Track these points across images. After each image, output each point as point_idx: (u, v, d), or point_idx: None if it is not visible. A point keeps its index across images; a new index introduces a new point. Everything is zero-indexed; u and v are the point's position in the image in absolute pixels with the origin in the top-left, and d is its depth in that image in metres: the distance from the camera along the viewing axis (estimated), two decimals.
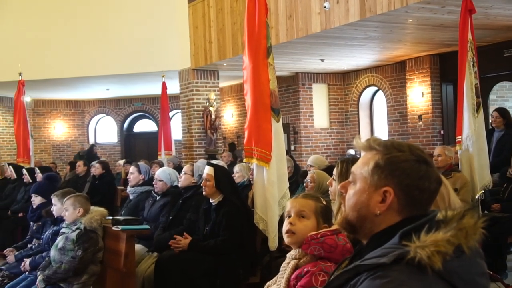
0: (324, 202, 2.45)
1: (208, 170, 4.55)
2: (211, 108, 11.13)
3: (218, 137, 11.41)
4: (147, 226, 4.63)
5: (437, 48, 10.09)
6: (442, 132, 10.74)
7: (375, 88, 12.40)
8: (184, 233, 4.50)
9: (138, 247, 4.72)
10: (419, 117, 10.91)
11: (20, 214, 7.72)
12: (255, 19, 4.59)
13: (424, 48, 10.00)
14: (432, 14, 7.21)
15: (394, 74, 11.65)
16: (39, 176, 7.69)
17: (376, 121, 12.76)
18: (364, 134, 12.39)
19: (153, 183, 5.47)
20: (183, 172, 5.24)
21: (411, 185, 1.34)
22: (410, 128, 11.16)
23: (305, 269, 2.21)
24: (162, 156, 10.42)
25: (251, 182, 5.30)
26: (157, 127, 14.71)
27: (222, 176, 4.58)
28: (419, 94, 10.90)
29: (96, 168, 8.27)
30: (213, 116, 11.12)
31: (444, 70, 10.66)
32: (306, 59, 10.62)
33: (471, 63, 5.43)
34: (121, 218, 4.54)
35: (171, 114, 13.26)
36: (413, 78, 11.01)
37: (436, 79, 10.78)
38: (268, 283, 2.47)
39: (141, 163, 6.53)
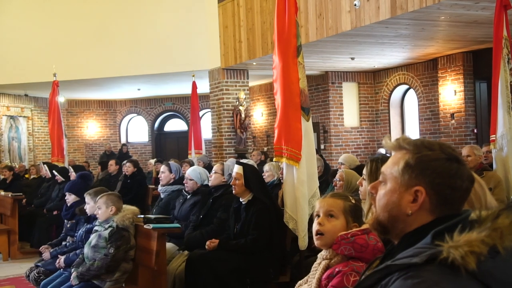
0: (353, 201, 2.44)
1: (237, 169, 4.57)
2: (240, 107, 11.17)
3: (247, 136, 11.44)
4: (178, 225, 4.67)
5: (470, 45, 9.90)
6: (475, 130, 10.54)
7: (406, 87, 12.25)
8: (207, 241, 4.51)
9: (169, 245, 4.77)
10: (452, 115, 10.73)
11: (55, 212, 7.89)
12: (285, 18, 4.59)
13: (457, 45, 9.83)
14: (465, 11, 7.08)
15: (425, 72, 11.48)
16: (72, 175, 7.83)
17: (407, 120, 12.61)
18: (395, 133, 12.25)
19: (184, 182, 5.51)
20: (213, 171, 5.27)
21: (443, 184, 1.33)
22: (442, 127, 10.98)
23: (337, 269, 2.20)
24: (192, 155, 10.50)
25: (281, 181, 5.30)
26: (187, 127, 14.85)
27: (251, 175, 4.59)
28: (451, 92, 10.72)
29: (127, 167, 8.38)
30: (242, 115, 11.14)
31: (477, 67, 10.46)
32: (336, 57, 10.55)
33: (506, 60, 5.32)
34: (152, 216, 4.59)
35: (201, 113, 13.36)
36: (445, 76, 10.84)
37: (469, 77, 10.58)
38: (299, 282, 2.47)
39: (172, 162, 6.59)
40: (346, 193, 2.66)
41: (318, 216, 2.39)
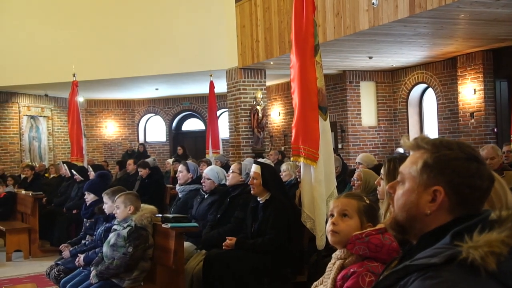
0: (367, 201, 2.43)
1: (255, 169, 4.58)
2: (258, 107, 11.18)
3: (265, 136, 11.45)
4: (195, 224, 4.69)
5: (490, 44, 9.78)
6: (495, 130, 10.41)
7: (425, 86, 12.15)
8: (227, 238, 4.53)
9: (186, 244, 4.79)
10: (471, 114, 10.61)
11: (74, 211, 7.97)
12: (302, 17, 4.58)
13: (477, 43, 9.72)
14: (485, 8, 7.00)
15: (444, 70, 11.37)
16: (91, 174, 7.91)
17: (426, 119, 12.50)
18: (413, 133, 12.16)
19: (201, 181, 5.53)
20: (230, 171, 5.28)
21: (462, 184, 1.32)
22: (461, 126, 10.87)
23: (351, 270, 2.19)
24: (210, 155, 10.54)
25: (298, 180, 5.29)
26: (205, 126, 14.90)
27: (269, 174, 4.60)
28: (471, 91, 10.60)
29: (142, 172, 8.49)
30: (260, 115, 11.15)
31: (497, 66, 10.33)
32: (353, 56, 10.51)
33: None
34: (170, 215, 4.61)
35: (218, 113, 13.40)
36: (465, 75, 10.72)
37: (489, 76, 10.46)
38: (315, 283, 2.46)
39: (190, 162, 6.62)
40: (360, 193, 2.66)
41: (332, 215, 2.38)
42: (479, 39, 9.25)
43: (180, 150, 14.16)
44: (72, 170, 8.57)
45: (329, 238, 2.36)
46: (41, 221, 8.28)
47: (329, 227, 2.36)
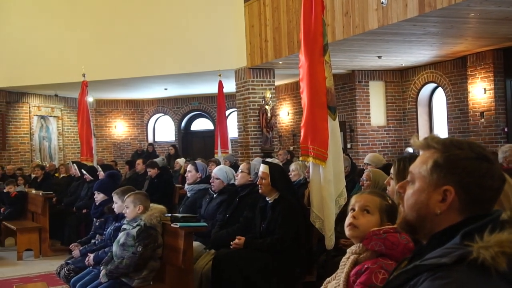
0: (390, 201, 2.42)
1: (263, 168, 4.58)
2: (267, 107, 11.17)
3: (273, 136, 11.44)
4: (204, 224, 4.69)
5: (500, 43, 9.72)
6: (506, 129, 10.33)
7: (434, 85, 12.09)
8: (237, 237, 4.54)
9: (195, 244, 4.80)
10: (481, 114, 10.55)
11: (84, 211, 8.01)
12: (311, 16, 4.57)
13: (487, 42, 9.66)
14: (495, 7, 6.95)
15: (454, 70, 11.31)
16: (101, 174, 7.95)
17: (435, 118, 12.44)
18: (423, 132, 12.10)
19: (210, 181, 5.54)
20: (239, 170, 5.28)
21: (472, 184, 1.31)
22: (471, 126, 10.81)
23: (365, 266, 2.19)
24: (219, 154, 10.54)
25: (307, 180, 5.29)
26: (214, 126, 14.92)
27: (277, 174, 4.60)
28: (481, 91, 10.53)
29: (151, 172, 8.51)
30: (268, 115, 11.15)
31: (508, 65, 10.26)
32: (362, 56, 10.48)
33: None
34: (179, 215, 4.62)
35: (227, 112, 13.41)
36: (475, 74, 10.66)
37: (500, 75, 10.39)
38: (327, 279, 2.46)
39: (198, 162, 6.63)
40: (384, 193, 2.64)
41: (353, 210, 2.38)
42: (489, 38, 9.20)
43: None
44: (82, 170, 8.62)
45: (347, 231, 2.36)
46: (51, 221, 8.33)
47: (348, 220, 2.36)
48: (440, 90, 12.00)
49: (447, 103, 11.60)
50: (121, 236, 4.38)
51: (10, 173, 11.34)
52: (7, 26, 12.80)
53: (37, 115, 14.72)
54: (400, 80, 12.71)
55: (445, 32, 8.57)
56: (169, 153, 14.14)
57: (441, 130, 11.86)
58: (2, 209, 9.08)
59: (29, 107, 14.43)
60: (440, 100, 12.19)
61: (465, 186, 1.31)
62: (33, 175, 11.04)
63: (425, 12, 7.07)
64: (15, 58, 12.62)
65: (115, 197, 4.75)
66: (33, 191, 9.04)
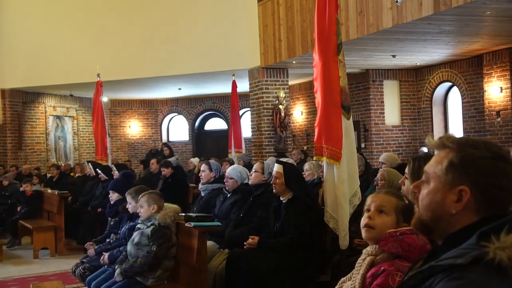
0: (407, 201, 2.39)
1: (277, 168, 4.57)
2: (280, 106, 11.16)
3: (287, 135, 11.43)
4: (218, 223, 4.70)
5: None
6: None
7: (450, 84, 11.99)
8: (250, 237, 4.54)
9: (209, 243, 4.81)
10: (497, 113, 10.44)
11: (99, 210, 8.06)
12: (325, 15, 4.56)
13: (503, 41, 9.55)
14: None
15: (470, 69, 11.21)
16: (115, 173, 8.00)
17: (450, 118, 12.34)
18: (438, 132, 12.01)
19: (224, 180, 5.55)
20: (253, 170, 5.28)
21: (488, 184, 1.30)
22: (487, 125, 10.70)
23: (382, 268, 2.17)
24: (233, 154, 10.56)
25: (321, 180, 5.27)
26: (227, 126, 14.94)
27: (291, 174, 4.59)
28: (497, 89, 10.42)
29: (165, 171, 8.55)
30: (282, 114, 11.14)
31: None
32: (377, 55, 10.42)
33: None
34: (193, 214, 4.63)
35: (241, 112, 13.41)
36: (491, 73, 10.55)
37: None
38: (342, 279, 2.44)
39: (212, 161, 6.64)
40: (400, 193, 2.61)
41: (369, 210, 2.36)
42: (505, 36, 9.09)
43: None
44: (97, 169, 8.68)
45: (363, 233, 2.34)
46: (67, 220, 8.40)
47: (364, 221, 2.34)
48: (455, 89, 11.90)
49: (463, 102, 11.50)
50: (136, 236, 4.40)
51: (26, 172, 11.46)
52: (23, 27, 12.93)
53: (52, 115, 14.86)
54: (415, 79, 12.62)
55: (461, 30, 8.49)
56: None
57: (457, 129, 11.76)
58: (18, 208, 9.18)
59: (45, 107, 14.58)
60: (455, 99, 12.09)
61: (481, 186, 1.30)
62: (48, 175, 11.14)
63: (440, 11, 7.01)
64: (31, 59, 12.75)
65: (128, 198, 4.77)
66: (49, 191, 9.12)
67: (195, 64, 11.89)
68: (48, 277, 6.73)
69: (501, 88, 10.35)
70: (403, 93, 12.58)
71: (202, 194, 6.02)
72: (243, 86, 11.81)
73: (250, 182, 5.29)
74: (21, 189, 9.22)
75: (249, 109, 12.93)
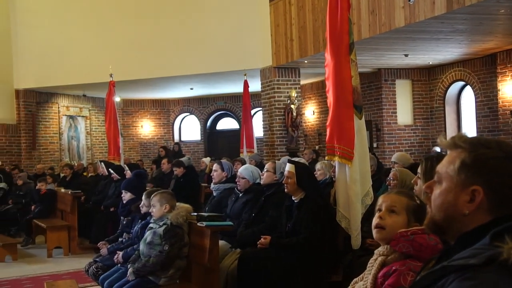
0: (418, 201, 2.38)
1: (289, 168, 4.57)
2: (292, 106, 11.15)
3: (299, 135, 11.41)
4: (230, 223, 4.71)
5: None
6: None
7: (463, 83, 11.90)
8: (262, 236, 4.54)
9: (221, 243, 4.82)
10: (511, 112, 10.34)
11: (112, 209, 8.11)
12: (337, 15, 4.55)
13: None
14: None
15: (483, 68, 11.11)
16: (128, 173, 8.04)
17: (463, 117, 12.24)
18: (451, 131, 11.92)
19: (236, 180, 5.55)
20: (265, 170, 5.28)
21: (502, 183, 1.29)
22: (501, 124, 10.60)
23: (393, 268, 2.17)
24: (244, 154, 10.56)
25: (333, 179, 5.26)
26: (239, 125, 14.95)
27: (303, 173, 4.58)
28: (511, 89, 10.33)
29: (177, 171, 8.57)
30: (294, 114, 11.13)
31: None
32: (389, 54, 10.38)
33: None
34: (205, 214, 4.65)
35: (252, 112, 13.43)
36: (505, 72, 10.45)
37: None
38: (355, 280, 2.44)
39: (224, 161, 6.65)
40: (412, 193, 2.61)
41: (380, 210, 2.36)
42: None
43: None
44: (110, 169, 8.72)
45: (374, 234, 2.34)
46: (80, 219, 8.46)
47: (375, 221, 2.33)
48: (468, 88, 11.81)
49: (476, 102, 11.41)
50: (148, 235, 4.42)
51: (40, 172, 11.57)
52: (36, 28, 13.05)
53: (66, 115, 14.98)
54: (428, 79, 12.54)
55: (474, 29, 8.43)
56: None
57: (470, 129, 11.67)
58: (32, 207, 9.27)
59: (58, 107, 14.70)
60: (468, 98, 11.99)
61: (494, 186, 1.29)
62: (62, 174, 11.23)
63: (453, 9, 6.96)
64: (44, 59, 12.86)
65: (144, 199, 4.80)
66: (62, 190, 9.20)
67: (207, 64, 11.91)
68: (61, 276, 6.78)
69: None
70: (415, 93, 12.51)
71: (214, 193, 6.03)
72: (255, 85, 11.82)
73: (262, 182, 5.29)
74: (36, 187, 9.32)
75: (260, 108, 12.94)
